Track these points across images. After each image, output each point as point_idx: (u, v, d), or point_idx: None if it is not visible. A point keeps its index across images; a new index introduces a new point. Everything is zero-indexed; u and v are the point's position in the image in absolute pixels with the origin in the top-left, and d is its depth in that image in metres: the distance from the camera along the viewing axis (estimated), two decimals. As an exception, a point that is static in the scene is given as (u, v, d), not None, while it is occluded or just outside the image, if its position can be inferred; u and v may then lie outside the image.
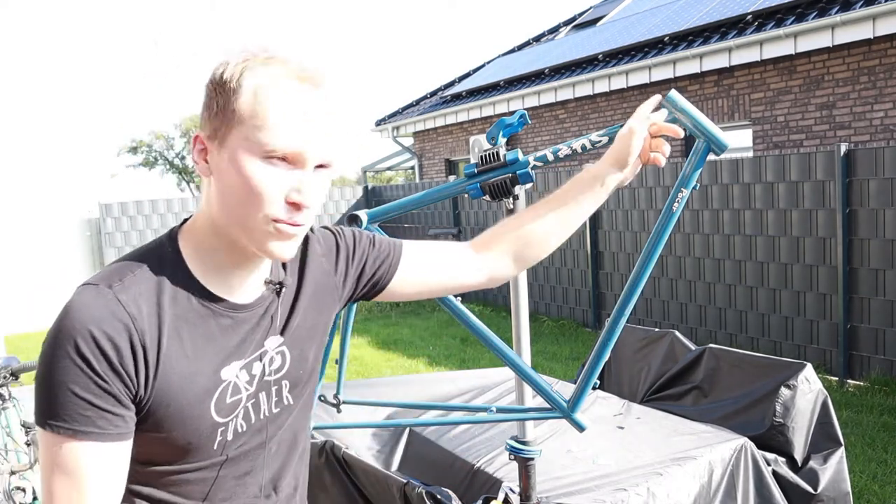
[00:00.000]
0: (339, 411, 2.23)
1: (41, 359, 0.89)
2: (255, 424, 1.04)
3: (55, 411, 0.87)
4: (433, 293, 1.29)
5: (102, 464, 0.89)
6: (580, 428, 1.69)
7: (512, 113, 2.37)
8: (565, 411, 1.70)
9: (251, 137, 0.90)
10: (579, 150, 1.42)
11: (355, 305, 1.25)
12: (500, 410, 1.87)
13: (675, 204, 1.38)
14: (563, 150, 1.45)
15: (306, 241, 1.14)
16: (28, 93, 57.87)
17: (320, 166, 0.94)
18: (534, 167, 1.51)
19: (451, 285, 1.27)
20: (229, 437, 1.00)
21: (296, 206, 0.92)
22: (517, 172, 1.52)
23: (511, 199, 1.62)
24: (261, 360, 1.03)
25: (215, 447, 0.99)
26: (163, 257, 0.96)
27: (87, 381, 0.86)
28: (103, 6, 68.73)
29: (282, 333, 1.06)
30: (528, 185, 1.58)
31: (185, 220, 1.02)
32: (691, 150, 1.35)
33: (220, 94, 0.91)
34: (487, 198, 1.60)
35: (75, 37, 66.18)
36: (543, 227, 1.31)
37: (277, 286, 1.06)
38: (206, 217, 0.98)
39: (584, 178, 1.30)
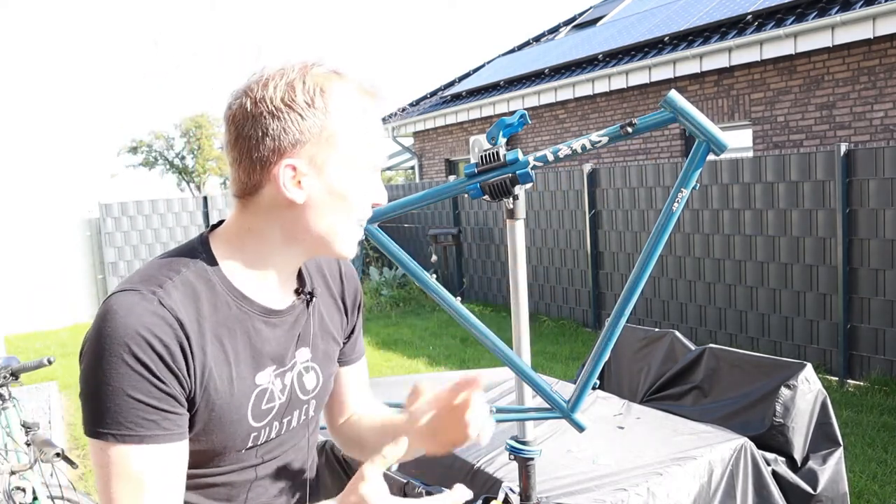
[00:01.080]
0: None
1: (88, 369, 0.87)
2: (284, 434, 1.07)
3: (117, 419, 0.86)
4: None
5: (168, 466, 0.89)
6: (580, 428, 1.69)
7: (512, 113, 2.37)
8: (565, 411, 1.70)
9: (354, 159, 0.95)
10: (579, 150, 1.42)
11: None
12: (499, 410, 1.87)
13: (675, 204, 1.38)
14: (563, 150, 1.45)
15: (338, 261, 1.19)
16: (28, 93, 57.87)
17: None
18: (534, 167, 1.51)
19: (332, 401, 1.24)
20: (260, 441, 1.02)
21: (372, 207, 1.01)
22: (517, 172, 1.52)
23: (511, 198, 1.62)
24: (293, 370, 1.05)
25: (245, 452, 1.01)
26: (197, 262, 0.97)
27: (147, 385, 0.86)
28: (103, 6, 68.73)
29: (311, 349, 1.08)
30: (528, 185, 1.58)
31: (214, 226, 1.03)
32: (691, 150, 1.36)
33: (309, 118, 0.92)
34: (487, 198, 1.60)
35: (75, 37, 66.17)
36: (363, 446, 1.24)
37: (308, 295, 1.08)
38: (247, 231, 0.99)
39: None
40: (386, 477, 1.95)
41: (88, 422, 0.88)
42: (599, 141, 1.38)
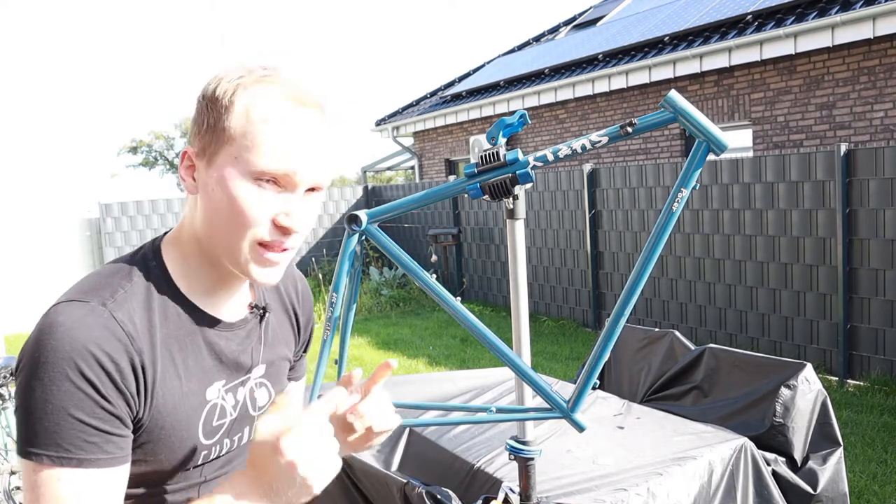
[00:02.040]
0: None
1: (27, 385, 0.81)
2: (234, 451, 1.03)
3: (55, 441, 0.80)
4: None
5: (107, 492, 0.83)
6: (580, 428, 1.69)
7: (512, 113, 2.37)
8: (565, 411, 1.70)
9: (241, 157, 0.86)
10: (579, 150, 1.42)
11: (354, 306, 1.25)
12: (499, 410, 1.87)
13: (675, 204, 1.38)
14: (564, 149, 1.45)
15: (295, 280, 1.14)
16: (28, 93, 57.89)
17: (311, 189, 0.92)
18: (534, 167, 1.51)
19: None
20: (210, 458, 0.99)
21: (284, 230, 0.89)
22: (517, 172, 1.52)
23: (511, 199, 1.62)
24: (244, 385, 1.01)
25: (194, 470, 0.97)
26: (149, 271, 0.92)
27: (92, 405, 0.81)
28: (103, 6, 68.76)
29: (266, 366, 1.05)
30: (528, 185, 1.58)
31: (167, 233, 0.99)
32: (691, 150, 1.36)
33: (212, 111, 0.88)
34: (487, 198, 1.60)
35: (75, 36, 66.20)
36: None
37: (261, 311, 1.04)
38: (191, 233, 0.95)
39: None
40: (386, 477, 1.95)
41: (23, 440, 0.81)
42: (599, 141, 1.38)
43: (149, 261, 0.94)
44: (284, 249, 0.91)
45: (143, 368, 0.86)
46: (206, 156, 0.89)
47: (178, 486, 0.97)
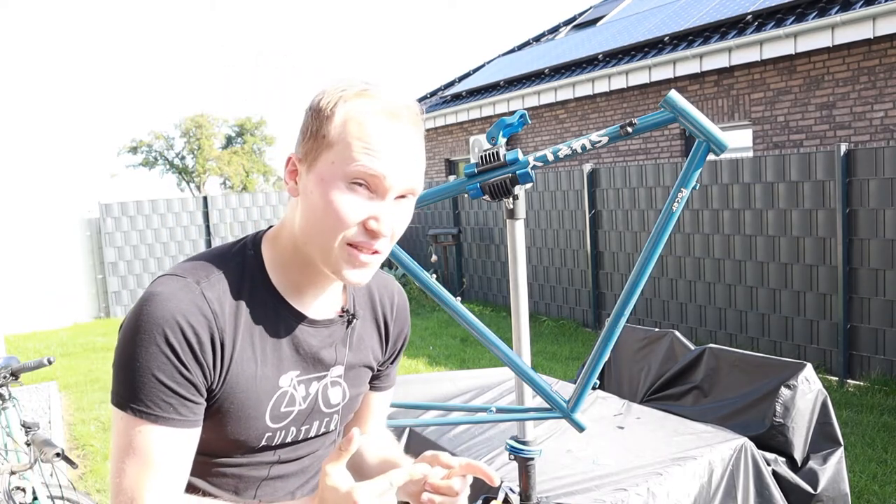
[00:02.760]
0: None
1: (123, 342, 0.92)
2: (301, 441, 1.08)
3: (137, 395, 0.90)
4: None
5: (176, 449, 0.93)
6: (580, 428, 1.69)
7: (512, 113, 2.37)
8: (565, 411, 1.70)
9: (337, 162, 0.94)
10: (579, 150, 1.42)
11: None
12: (499, 410, 1.87)
13: (675, 204, 1.38)
14: (563, 150, 1.45)
15: (392, 293, 1.19)
16: (29, 92, 57.89)
17: (401, 196, 0.97)
18: (534, 167, 1.51)
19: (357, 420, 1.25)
20: (274, 443, 1.04)
21: (372, 234, 0.95)
22: (517, 172, 1.52)
23: (511, 198, 1.62)
24: (320, 381, 1.07)
25: (258, 449, 1.03)
26: (245, 260, 1.01)
27: (172, 370, 0.91)
28: (103, 6, 68.77)
29: (345, 367, 1.10)
30: (528, 185, 1.58)
31: (269, 228, 1.07)
32: (691, 150, 1.35)
33: (315, 120, 0.96)
34: (487, 198, 1.60)
35: (76, 36, 66.20)
36: None
37: (351, 316, 1.10)
38: (290, 232, 1.02)
39: None
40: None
41: (114, 392, 0.92)
42: (599, 141, 1.38)
43: (248, 251, 1.03)
44: (375, 252, 0.97)
45: (221, 344, 0.95)
46: (308, 161, 0.97)
47: (246, 461, 1.03)
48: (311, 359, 1.05)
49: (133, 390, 0.90)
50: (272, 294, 1.01)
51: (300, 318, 1.03)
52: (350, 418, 1.18)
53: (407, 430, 2.60)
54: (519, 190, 1.58)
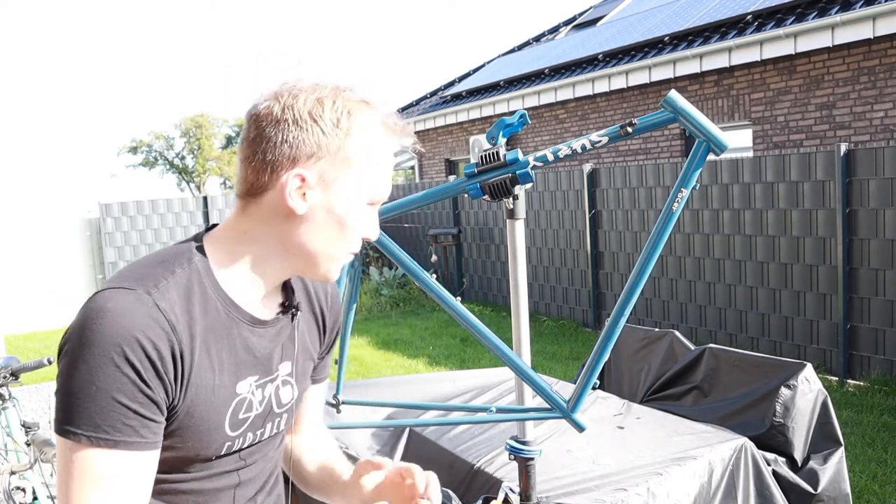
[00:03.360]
0: (338, 412, 2.23)
1: (72, 365, 0.84)
2: (256, 444, 1.06)
3: (93, 421, 0.84)
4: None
5: (138, 474, 0.88)
6: (580, 428, 1.69)
7: (512, 113, 2.37)
8: (565, 411, 1.70)
9: (361, 185, 0.96)
10: (579, 150, 1.42)
11: (354, 306, 1.26)
12: (499, 410, 1.87)
13: (675, 204, 1.38)
14: (564, 150, 1.45)
15: (325, 283, 1.18)
16: (29, 92, 57.87)
17: None
18: (534, 167, 1.51)
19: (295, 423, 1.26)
20: (233, 450, 1.02)
21: (367, 240, 1.03)
22: (517, 172, 1.52)
23: (511, 198, 1.62)
24: (272, 382, 1.05)
25: (216, 460, 1.00)
26: (192, 265, 0.96)
27: (134, 390, 0.85)
28: (103, 6, 68.76)
29: (293, 364, 1.08)
30: (528, 185, 1.57)
31: (209, 228, 1.03)
32: (691, 150, 1.35)
33: (332, 136, 0.93)
34: (487, 198, 1.60)
35: (76, 36, 66.20)
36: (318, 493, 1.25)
37: (294, 310, 1.07)
38: (255, 240, 0.98)
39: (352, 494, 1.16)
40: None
41: (62, 420, 0.85)
42: (599, 141, 1.38)
43: (192, 253, 0.97)
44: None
45: (181, 357, 0.90)
46: (326, 181, 0.95)
47: (203, 474, 1.00)
48: (266, 360, 1.03)
49: (90, 417, 0.84)
50: (222, 298, 0.97)
51: (252, 320, 1.00)
52: (294, 416, 1.15)
53: (407, 430, 2.60)
54: (519, 190, 1.58)
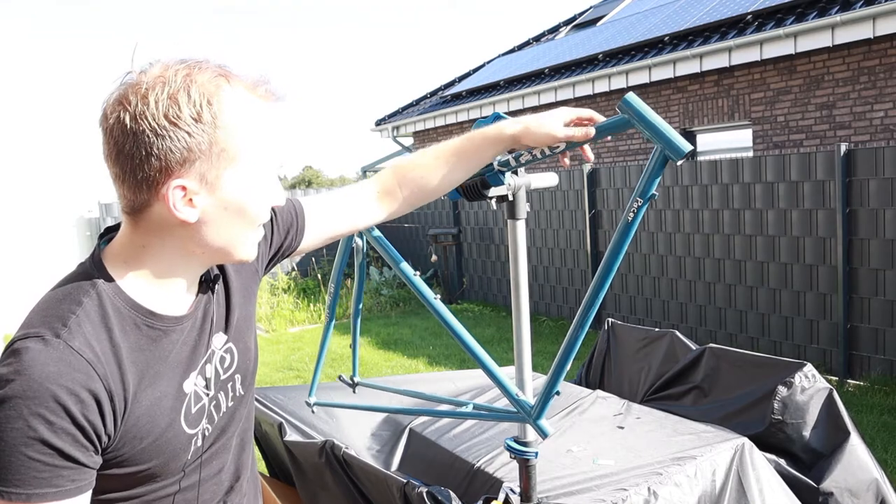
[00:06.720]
0: (354, 391, 2.39)
1: None
2: (219, 423, 1.04)
3: (3, 476, 0.78)
4: (337, 237, 1.32)
5: None
6: (544, 434, 1.68)
7: (512, 113, 2.37)
8: (529, 416, 1.70)
9: (251, 169, 0.90)
10: (539, 156, 1.38)
11: (362, 295, 1.26)
12: (476, 408, 1.90)
13: (631, 214, 1.29)
14: (525, 155, 1.42)
15: None
16: (29, 92, 57.90)
17: None
18: (499, 171, 1.50)
19: (353, 228, 1.30)
20: (199, 443, 0.99)
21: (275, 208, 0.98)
22: (486, 175, 1.53)
23: (495, 200, 1.62)
24: (211, 361, 1.01)
25: (189, 457, 0.98)
26: (98, 290, 0.89)
27: (44, 446, 0.79)
28: (103, 6, 68.83)
29: (225, 331, 1.05)
30: (501, 188, 1.57)
31: (100, 246, 0.97)
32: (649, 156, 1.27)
33: (198, 134, 0.84)
34: (464, 199, 1.60)
35: (76, 36, 66.23)
36: (448, 178, 1.31)
37: (211, 283, 1.03)
38: (141, 249, 0.92)
39: (492, 136, 1.28)
40: (386, 477, 1.95)
41: None
42: (558, 147, 1.34)
43: (94, 276, 0.91)
44: None
45: (109, 394, 0.84)
46: (209, 182, 0.87)
47: (173, 479, 0.98)
48: (198, 348, 0.98)
49: (3, 472, 0.78)
50: (140, 312, 0.91)
51: (174, 321, 0.95)
52: (253, 368, 1.12)
53: (407, 430, 2.60)
54: (493, 192, 1.58)
